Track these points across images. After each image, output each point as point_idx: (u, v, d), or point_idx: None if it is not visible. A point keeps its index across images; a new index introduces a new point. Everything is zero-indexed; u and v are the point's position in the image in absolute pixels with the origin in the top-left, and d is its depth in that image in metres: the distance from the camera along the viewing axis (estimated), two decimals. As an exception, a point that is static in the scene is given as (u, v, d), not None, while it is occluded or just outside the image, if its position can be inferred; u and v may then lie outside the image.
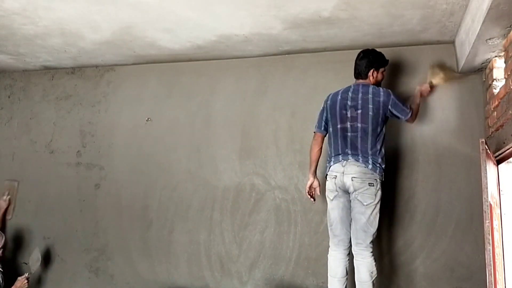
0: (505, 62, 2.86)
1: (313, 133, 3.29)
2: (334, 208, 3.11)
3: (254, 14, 3.15)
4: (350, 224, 3.08)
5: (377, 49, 3.69)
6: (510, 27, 2.64)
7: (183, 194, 3.97)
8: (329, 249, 3.15)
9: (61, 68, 4.39)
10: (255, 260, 3.75)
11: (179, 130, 4.06)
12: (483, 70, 3.40)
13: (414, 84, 3.60)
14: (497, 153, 2.99)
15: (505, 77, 2.87)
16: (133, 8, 3.11)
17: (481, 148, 2.70)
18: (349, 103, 3.11)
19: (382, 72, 3.24)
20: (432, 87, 3.41)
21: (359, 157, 3.04)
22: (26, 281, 3.65)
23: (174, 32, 3.49)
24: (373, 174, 3.01)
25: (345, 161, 3.06)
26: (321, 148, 3.26)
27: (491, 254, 2.55)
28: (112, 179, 4.15)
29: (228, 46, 3.75)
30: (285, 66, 3.90)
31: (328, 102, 3.22)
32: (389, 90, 3.19)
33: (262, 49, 3.80)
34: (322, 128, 3.24)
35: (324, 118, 3.24)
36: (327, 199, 3.15)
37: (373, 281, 2.98)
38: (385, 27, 3.32)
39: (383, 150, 3.09)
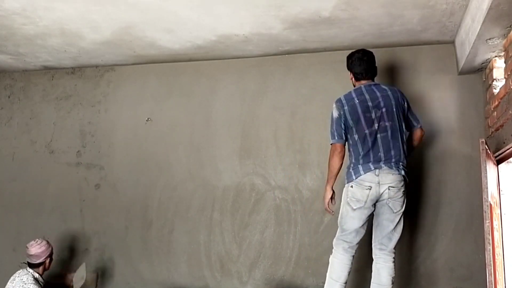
0: (505, 62, 2.87)
1: (332, 145, 2.98)
2: (355, 218, 2.90)
3: (254, 14, 3.15)
4: (365, 232, 2.98)
5: (377, 49, 3.71)
6: (510, 27, 2.64)
7: (183, 194, 3.97)
8: (335, 252, 3.00)
9: (61, 68, 4.39)
10: (255, 260, 3.75)
11: (179, 130, 4.06)
12: (483, 70, 3.40)
13: (414, 84, 3.61)
14: (497, 153, 2.99)
15: (505, 77, 2.87)
16: (133, 8, 3.11)
17: (481, 148, 2.70)
18: (370, 104, 2.92)
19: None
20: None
21: (392, 163, 2.89)
22: None
23: (174, 32, 3.49)
24: (404, 181, 2.93)
25: (378, 170, 2.86)
26: (343, 158, 2.98)
27: (491, 254, 2.55)
28: (112, 179, 4.15)
29: (228, 46, 3.75)
30: (285, 66, 3.90)
31: (346, 108, 2.94)
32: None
33: (262, 49, 3.80)
34: (343, 138, 2.96)
35: (342, 126, 2.95)
36: (348, 206, 2.93)
37: (392, 286, 2.93)
38: (385, 27, 3.32)
39: None
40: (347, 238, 2.95)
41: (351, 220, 2.92)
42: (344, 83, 3.73)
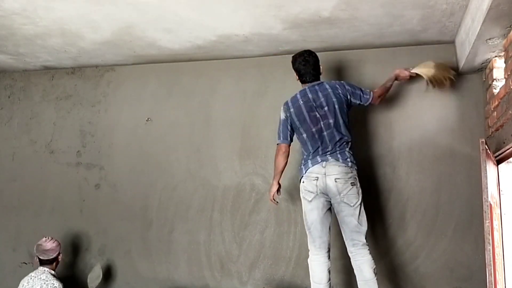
0: (505, 62, 2.87)
1: (277, 145, 3.24)
2: (313, 209, 3.05)
3: (254, 14, 3.15)
4: (330, 226, 3.08)
5: (377, 49, 3.71)
6: (510, 27, 2.64)
7: (183, 194, 3.97)
8: (310, 254, 3.08)
9: (61, 68, 4.39)
10: (255, 260, 3.75)
11: (179, 130, 4.06)
12: (483, 70, 3.40)
13: (414, 84, 3.60)
14: (497, 153, 2.99)
15: (505, 77, 2.87)
16: (133, 8, 3.11)
17: (481, 148, 2.70)
18: (313, 104, 3.13)
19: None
20: (412, 75, 3.39)
21: (338, 155, 3.05)
22: None
23: (174, 32, 3.49)
24: (352, 172, 3.04)
25: (325, 162, 3.04)
26: (288, 158, 3.24)
27: (491, 254, 2.55)
28: (112, 179, 4.15)
29: (228, 46, 3.75)
30: (285, 66, 3.87)
31: (292, 110, 3.17)
32: (342, 81, 3.26)
33: (262, 49, 3.80)
34: (289, 139, 3.22)
35: (289, 127, 3.20)
36: (304, 201, 3.10)
37: (376, 278, 2.96)
38: (385, 27, 3.32)
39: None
40: (314, 235, 3.05)
41: (310, 213, 3.06)
42: (344, 83, 3.74)
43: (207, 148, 3.97)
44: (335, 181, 2.98)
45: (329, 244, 3.06)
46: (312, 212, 3.05)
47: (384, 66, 3.66)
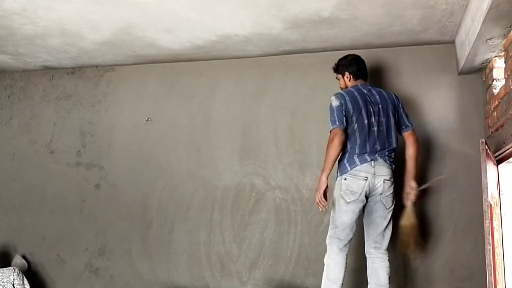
0: (505, 62, 2.87)
1: (331, 131, 2.94)
2: (349, 212, 2.88)
3: (254, 14, 3.15)
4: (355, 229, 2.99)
5: (377, 49, 3.71)
6: (510, 27, 2.64)
7: (183, 194, 3.97)
8: (330, 252, 2.98)
9: (61, 68, 4.39)
10: (255, 260, 3.75)
11: (179, 130, 4.06)
12: (483, 70, 3.40)
13: (414, 84, 3.60)
14: (497, 153, 2.99)
15: (505, 77, 2.87)
16: (133, 8, 3.11)
17: (481, 148, 2.70)
18: (368, 99, 3.02)
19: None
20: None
21: (386, 157, 2.97)
22: None
23: (174, 32, 3.49)
24: (393, 176, 3.00)
25: (373, 161, 2.90)
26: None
27: (491, 254, 2.55)
28: (112, 179, 4.15)
29: (228, 46, 3.75)
30: (285, 66, 3.90)
31: (347, 98, 2.98)
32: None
33: (262, 49, 3.80)
34: (345, 124, 2.92)
35: (344, 113, 2.93)
36: (341, 200, 2.91)
37: (389, 286, 2.95)
38: (385, 27, 3.32)
39: None
40: (341, 236, 2.91)
41: (345, 215, 2.89)
42: (344, 83, 3.74)
43: (207, 148, 3.97)
44: (384, 182, 2.90)
45: (349, 246, 3.00)
46: (347, 214, 2.89)
47: (384, 66, 3.66)
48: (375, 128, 2.97)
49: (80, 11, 3.16)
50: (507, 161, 3.04)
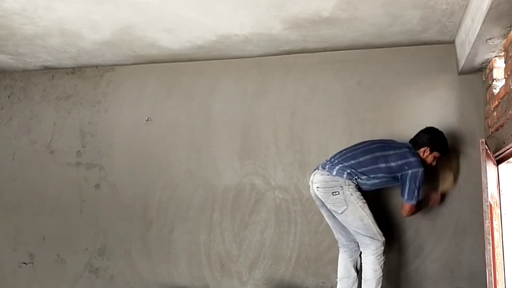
0: (505, 62, 2.87)
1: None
2: (324, 216, 3.25)
3: (254, 14, 3.15)
4: (343, 227, 3.15)
5: (377, 49, 3.71)
6: (510, 27, 2.64)
7: (183, 194, 3.97)
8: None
9: (61, 68, 4.39)
10: (255, 260, 3.75)
11: (179, 130, 4.06)
12: (483, 70, 3.40)
13: (414, 84, 3.60)
14: (497, 153, 2.99)
15: (505, 77, 2.87)
16: (133, 8, 3.11)
17: (481, 148, 2.70)
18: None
19: (434, 157, 3.21)
20: (443, 195, 3.39)
21: (327, 165, 3.11)
22: None
23: (174, 32, 3.49)
24: (337, 181, 3.02)
25: (315, 171, 3.18)
26: None
27: (491, 254, 2.55)
28: (112, 179, 4.15)
29: (228, 46, 3.75)
30: (285, 66, 3.90)
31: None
32: (415, 170, 3.09)
33: (262, 49, 3.80)
34: None
35: None
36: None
37: (377, 279, 3.00)
38: (385, 27, 3.32)
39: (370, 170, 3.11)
40: (335, 235, 3.28)
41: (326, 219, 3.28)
42: (344, 83, 3.75)
43: (207, 148, 3.97)
44: (317, 189, 3.09)
45: (348, 243, 3.20)
46: (325, 218, 3.26)
47: (384, 66, 3.67)
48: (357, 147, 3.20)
49: (80, 11, 3.16)
50: (507, 161, 3.04)
